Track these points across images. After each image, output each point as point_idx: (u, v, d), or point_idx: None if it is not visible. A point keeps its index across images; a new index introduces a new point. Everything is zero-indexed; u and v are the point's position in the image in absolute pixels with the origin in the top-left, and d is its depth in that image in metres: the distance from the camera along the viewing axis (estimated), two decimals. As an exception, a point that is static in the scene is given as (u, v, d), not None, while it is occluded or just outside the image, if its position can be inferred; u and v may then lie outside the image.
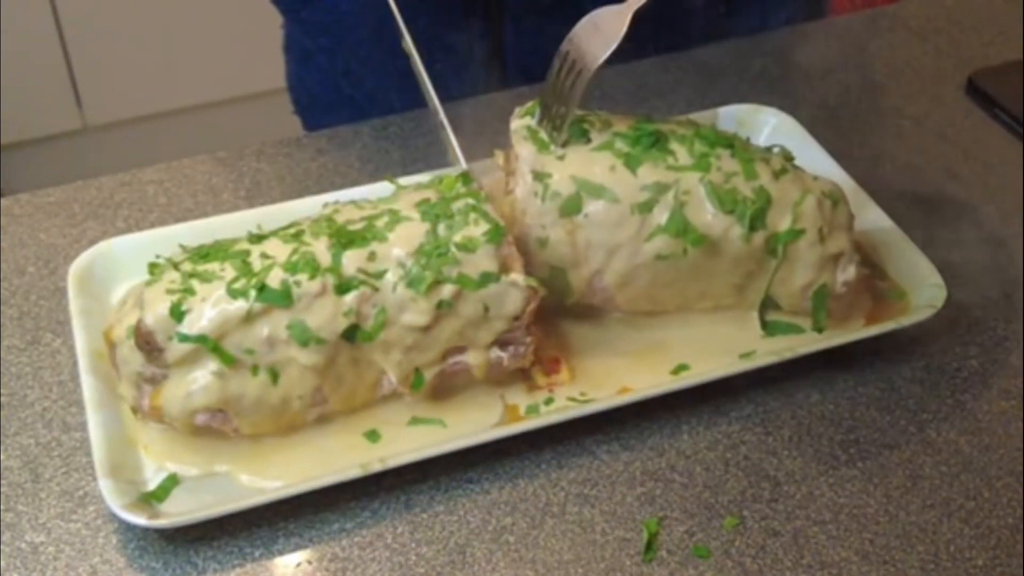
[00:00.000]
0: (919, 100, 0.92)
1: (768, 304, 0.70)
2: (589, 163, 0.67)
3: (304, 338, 0.61)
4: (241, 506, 0.60)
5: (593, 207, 0.66)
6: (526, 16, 0.93)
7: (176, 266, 0.63)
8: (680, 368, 0.68)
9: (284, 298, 0.61)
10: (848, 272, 0.69)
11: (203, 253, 0.64)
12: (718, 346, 0.69)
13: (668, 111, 0.84)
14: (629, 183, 0.66)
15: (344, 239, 0.63)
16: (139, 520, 0.59)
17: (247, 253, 0.63)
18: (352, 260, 0.62)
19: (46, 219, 0.80)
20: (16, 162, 2.04)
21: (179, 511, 0.61)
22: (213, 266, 0.62)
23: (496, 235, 0.64)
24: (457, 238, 0.63)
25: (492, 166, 0.75)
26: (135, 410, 0.64)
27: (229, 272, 0.62)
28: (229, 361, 0.61)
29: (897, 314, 0.71)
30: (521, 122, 0.70)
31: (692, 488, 0.64)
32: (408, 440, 0.64)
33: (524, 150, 0.68)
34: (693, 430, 0.67)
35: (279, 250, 0.63)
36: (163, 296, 0.61)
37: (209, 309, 0.61)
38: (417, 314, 0.63)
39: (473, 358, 0.65)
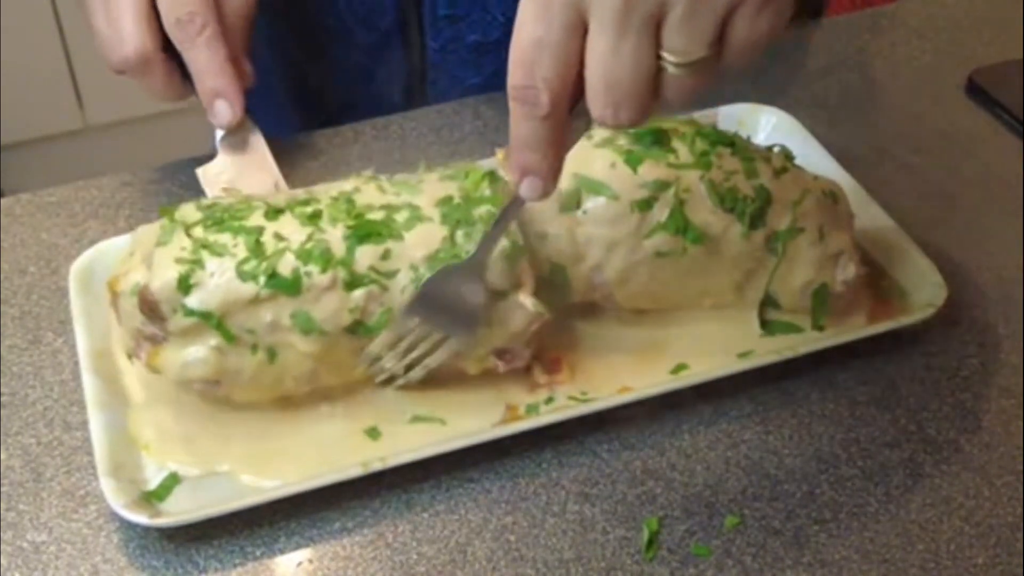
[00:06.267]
0: (919, 99, 0.92)
1: (768, 303, 0.70)
2: (589, 159, 0.67)
3: (307, 328, 0.61)
4: (242, 505, 0.61)
5: (592, 203, 0.66)
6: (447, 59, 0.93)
7: (188, 230, 0.62)
8: (680, 367, 0.69)
9: (293, 288, 0.61)
10: (848, 271, 0.69)
11: (218, 218, 0.63)
12: (718, 345, 0.70)
13: (668, 111, 0.84)
14: (629, 180, 0.66)
15: (361, 232, 0.62)
16: (140, 519, 0.59)
17: (261, 231, 0.62)
18: (366, 255, 0.62)
19: (47, 219, 0.80)
20: (17, 162, 2.05)
21: (180, 510, 0.61)
22: (225, 238, 0.61)
23: (513, 254, 0.63)
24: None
25: (492, 165, 0.75)
26: (130, 356, 0.64)
27: (241, 249, 0.61)
28: (230, 338, 0.61)
29: (897, 313, 0.71)
30: None
31: (692, 487, 0.65)
32: (409, 438, 0.64)
33: None
34: (693, 429, 0.67)
35: (294, 232, 0.62)
36: (172, 264, 0.61)
37: (217, 287, 0.60)
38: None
39: (470, 364, 0.66)
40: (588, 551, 0.61)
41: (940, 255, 0.74)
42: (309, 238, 0.62)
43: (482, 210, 0.64)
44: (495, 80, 0.92)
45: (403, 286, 0.62)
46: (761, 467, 0.66)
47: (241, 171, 0.78)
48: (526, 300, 0.64)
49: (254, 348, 0.62)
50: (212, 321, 0.61)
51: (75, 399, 0.68)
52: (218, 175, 0.77)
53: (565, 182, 0.66)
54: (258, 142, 0.79)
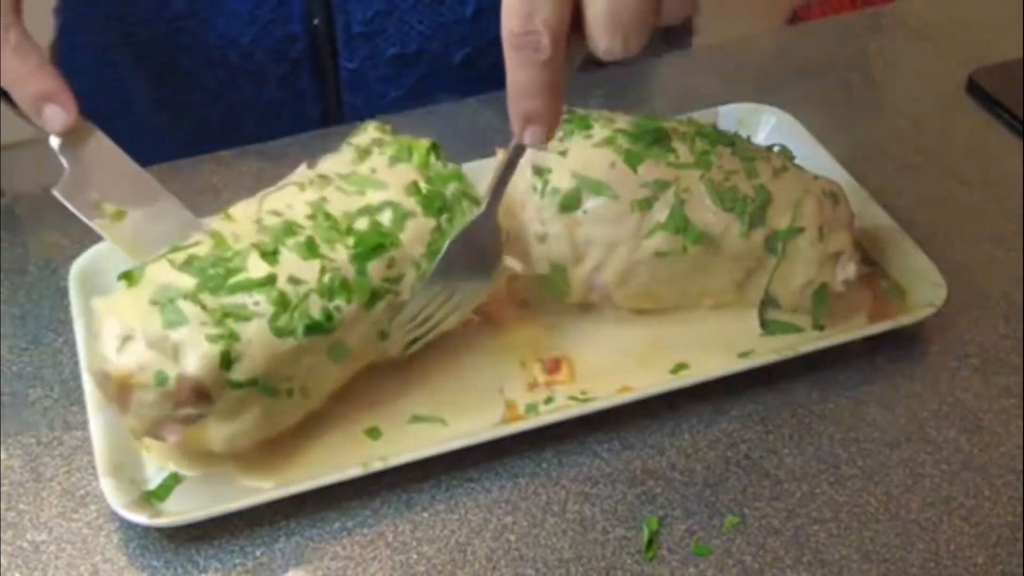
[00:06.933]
0: (919, 99, 0.92)
1: (768, 303, 0.70)
2: (589, 159, 0.67)
3: (341, 357, 0.62)
4: (242, 505, 0.61)
5: (592, 203, 0.66)
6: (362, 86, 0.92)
7: (195, 299, 0.59)
8: (680, 367, 0.69)
9: (329, 328, 0.61)
10: (848, 270, 0.69)
11: (212, 276, 0.60)
12: (718, 345, 0.70)
13: (668, 111, 0.84)
14: (629, 180, 0.66)
15: (365, 248, 0.62)
16: (140, 519, 0.59)
17: (273, 279, 0.60)
18: (375, 270, 0.63)
19: (47, 219, 0.80)
20: (16, 162, 2.04)
21: (180, 510, 0.61)
22: (243, 298, 0.60)
23: None
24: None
25: (492, 165, 0.75)
26: (139, 438, 0.62)
27: (265, 306, 0.60)
28: (273, 393, 0.61)
29: (897, 312, 0.71)
30: None
31: (693, 486, 0.65)
32: (409, 438, 0.65)
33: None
34: (693, 428, 0.67)
35: (305, 270, 0.61)
36: (204, 343, 0.58)
37: (258, 352, 0.59)
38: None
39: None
40: (588, 551, 0.61)
41: (940, 255, 0.74)
42: (323, 272, 0.61)
43: (451, 189, 0.66)
44: (416, 91, 0.91)
45: (411, 284, 0.64)
46: (761, 466, 0.66)
47: (104, 180, 0.67)
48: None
49: (290, 392, 0.61)
50: (259, 386, 0.60)
51: (75, 399, 0.68)
52: (80, 190, 0.66)
53: (565, 182, 0.66)
54: (102, 140, 0.68)
